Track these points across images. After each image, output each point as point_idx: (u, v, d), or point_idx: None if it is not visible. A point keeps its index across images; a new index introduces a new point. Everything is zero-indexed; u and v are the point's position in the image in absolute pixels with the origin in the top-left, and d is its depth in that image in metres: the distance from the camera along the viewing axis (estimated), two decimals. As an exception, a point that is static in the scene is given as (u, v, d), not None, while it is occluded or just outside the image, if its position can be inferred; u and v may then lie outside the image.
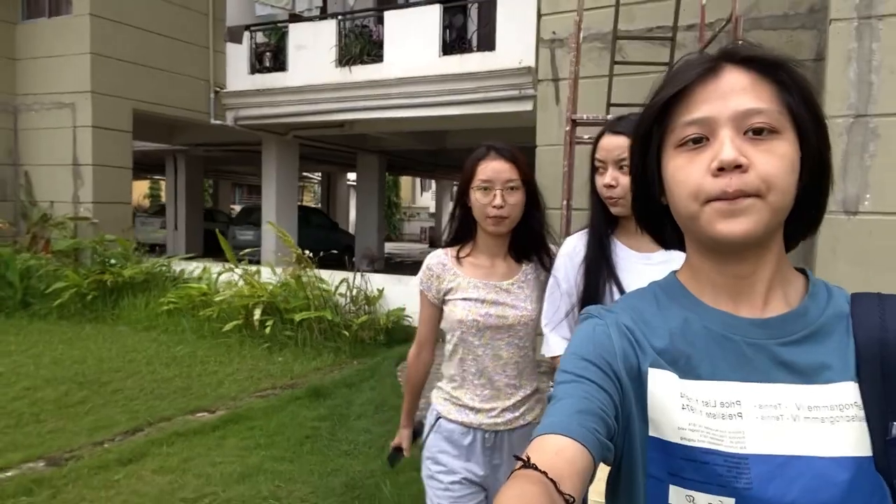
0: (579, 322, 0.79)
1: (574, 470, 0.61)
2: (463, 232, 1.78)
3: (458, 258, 1.77)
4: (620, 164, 1.52)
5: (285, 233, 6.96)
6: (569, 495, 0.58)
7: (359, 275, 7.03)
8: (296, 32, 10.66)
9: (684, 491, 0.68)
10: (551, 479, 0.58)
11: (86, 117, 9.10)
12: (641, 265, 1.47)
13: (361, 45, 10.10)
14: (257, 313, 6.54)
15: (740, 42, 0.72)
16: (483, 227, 1.71)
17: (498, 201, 1.64)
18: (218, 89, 11.01)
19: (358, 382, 5.42)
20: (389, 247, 21.73)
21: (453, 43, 9.67)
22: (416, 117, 10.05)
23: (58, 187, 9.41)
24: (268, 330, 6.44)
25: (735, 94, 0.67)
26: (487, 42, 9.31)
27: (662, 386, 0.71)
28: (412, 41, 9.60)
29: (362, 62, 10.09)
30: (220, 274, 7.64)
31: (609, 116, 4.34)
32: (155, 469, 3.54)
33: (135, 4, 9.55)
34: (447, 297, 1.76)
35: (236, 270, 7.24)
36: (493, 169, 1.65)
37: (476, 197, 1.68)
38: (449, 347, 1.79)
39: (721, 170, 0.65)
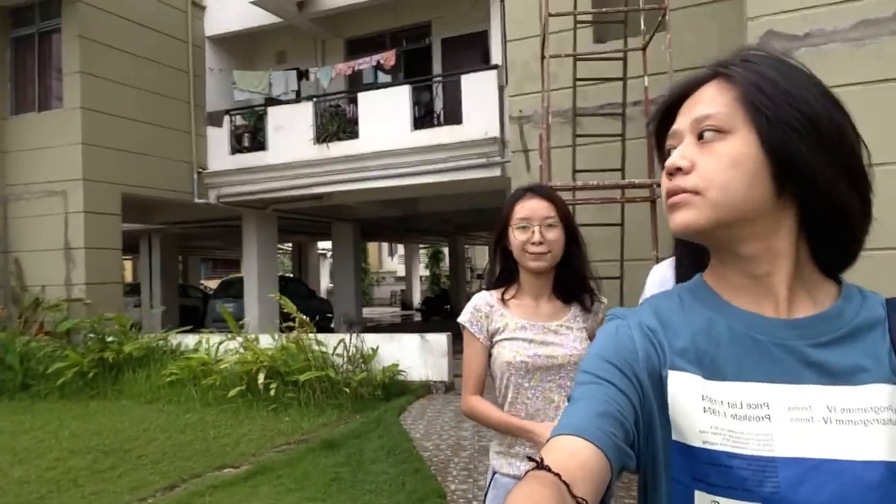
0: (605, 322, 0.80)
1: (589, 473, 0.60)
2: (506, 275, 1.78)
3: (503, 300, 1.75)
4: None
5: (289, 301, 7.45)
6: (581, 499, 0.58)
7: (354, 335, 7.53)
8: (274, 114, 11.42)
9: (709, 496, 0.66)
10: (564, 482, 0.58)
11: (77, 203, 9.56)
12: None
13: (338, 123, 10.91)
14: (261, 377, 6.95)
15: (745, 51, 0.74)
16: (524, 265, 1.71)
17: (536, 237, 1.65)
18: (200, 170, 11.61)
19: (365, 433, 5.86)
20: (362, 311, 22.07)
21: (423, 118, 10.57)
22: (390, 187, 10.77)
23: (49, 271, 9.73)
24: (272, 392, 6.84)
25: (699, 104, 0.71)
26: (454, 116, 10.21)
27: (683, 388, 0.70)
28: (385, 118, 10.43)
29: (338, 139, 10.87)
30: (220, 343, 8.03)
31: (576, 182, 5.09)
32: (203, 515, 3.95)
33: (121, 96, 10.20)
34: (494, 339, 1.72)
35: (238, 338, 7.66)
36: (531, 207, 1.68)
37: (515, 235, 1.69)
38: (499, 395, 1.74)
39: (670, 174, 0.71)
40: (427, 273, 32.84)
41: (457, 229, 21.32)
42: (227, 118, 11.83)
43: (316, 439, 5.71)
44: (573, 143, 5.65)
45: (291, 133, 11.14)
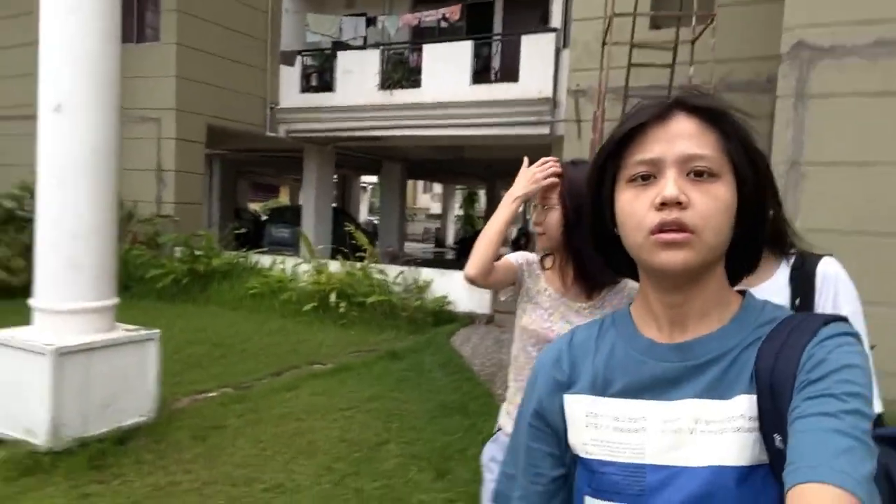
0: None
1: None
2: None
3: (542, 266, 1.77)
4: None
5: (361, 235, 8.60)
6: None
7: (412, 267, 8.68)
8: (343, 59, 12.30)
9: (594, 500, 0.76)
10: None
11: (170, 130, 10.71)
12: None
13: (402, 71, 11.75)
14: (332, 296, 8.18)
15: (693, 91, 0.78)
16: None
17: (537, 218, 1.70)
18: (273, 105, 12.63)
19: (422, 349, 7.06)
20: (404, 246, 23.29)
21: (481, 73, 11.35)
22: (445, 135, 11.69)
23: (142, 189, 10.98)
24: (341, 310, 8.08)
25: (681, 138, 0.73)
26: (511, 74, 10.99)
27: (574, 408, 0.81)
28: (446, 71, 11.26)
29: (402, 86, 11.75)
30: (295, 265, 9.26)
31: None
32: (309, 393, 5.18)
33: (208, 34, 11.17)
34: (522, 299, 1.77)
35: (311, 263, 8.88)
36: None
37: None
38: (513, 353, 1.80)
39: (664, 205, 0.71)
40: (461, 213, 33.84)
41: (496, 175, 22.17)
42: (299, 58, 12.74)
43: (381, 350, 6.92)
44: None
45: (358, 78, 12.04)
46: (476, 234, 23.78)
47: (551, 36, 10.54)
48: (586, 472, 0.78)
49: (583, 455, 0.79)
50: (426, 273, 8.81)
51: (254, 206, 29.33)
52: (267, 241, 16.35)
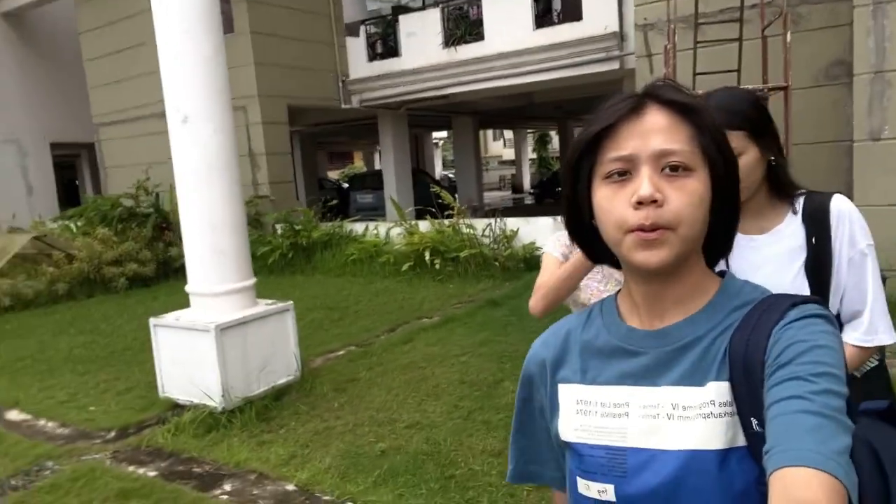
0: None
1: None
2: None
3: None
4: None
5: (447, 194, 9.05)
6: None
7: (498, 219, 9.05)
8: (405, 22, 12.52)
9: (585, 481, 0.80)
10: None
11: (256, 116, 11.41)
12: (746, 247, 1.45)
13: (464, 27, 11.87)
14: (427, 255, 8.70)
15: (665, 81, 0.79)
16: None
17: None
18: (344, 78, 13.10)
19: (518, 296, 7.46)
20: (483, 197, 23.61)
21: (543, 17, 11.29)
22: (513, 84, 11.78)
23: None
24: (437, 266, 8.59)
25: (655, 133, 0.74)
26: (574, 13, 10.87)
27: (566, 396, 0.85)
28: (508, 19, 11.27)
29: (465, 42, 11.87)
30: (389, 229, 9.85)
31: (698, 90, 6.05)
32: (424, 344, 5.73)
33: (278, 18, 11.68)
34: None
35: (403, 225, 9.42)
36: None
37: None
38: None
39: (640, 203, 0.72)
40: (535, 156, 33.63)
41: (568, 115, 21.90)
42: (362, 28, 13.07)
43: (481, 300, 7.39)
44: (694, 47, 6.51)
45: (422, 39, 12.26)
46: (553, 176, 23.59)
47: (612, -33, 10.32)
48: (576, 456, 0.82)
49: (573, 440, 0.83)
50: (511, 223, 9.15)
51: (333, 175, 30.37)
52: (353, 207, 17.11)
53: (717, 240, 0.81)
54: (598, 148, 0.77)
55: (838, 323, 1.39)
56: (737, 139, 1.33)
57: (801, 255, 1.42)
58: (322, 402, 4.48)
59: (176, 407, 4.44)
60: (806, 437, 0.60)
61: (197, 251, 4.45)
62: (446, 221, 9.11)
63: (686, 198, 0.73)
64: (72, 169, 19.34)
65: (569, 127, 24.13)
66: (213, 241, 4.41)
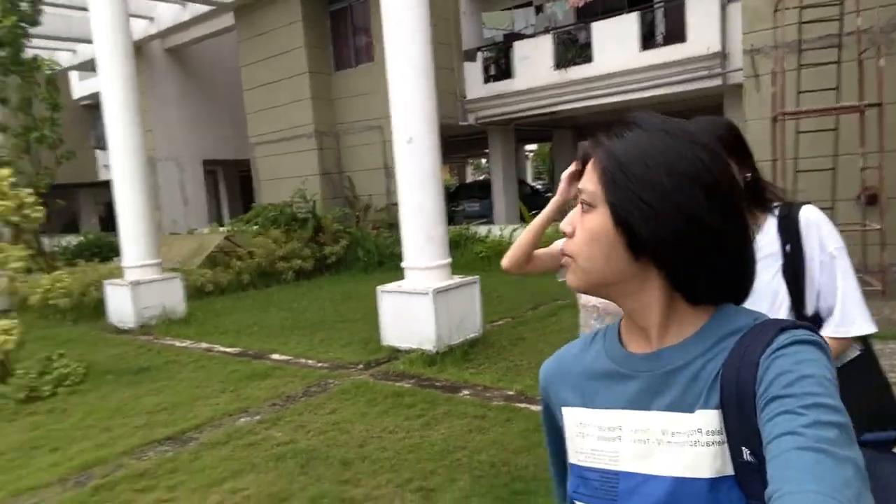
0: None
1: None
2: None
3: None
4: None
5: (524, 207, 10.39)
6: None
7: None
8: (519, 47, 14.01)
9: (580, 503, 0.82)
10: None
11: (390, 133, 13.15)
12: None
13: (574, 50, 13.22)
14: (551, 251, 10.06)
15: (624, 119, 0.81)
16: None
17: None
18: (462, 98, 14.72)
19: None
20: (573, 206, 24.76)
21: (650, 39, 12.48)
22: (618, 101, 12.99)
23: (372, 184, 13.63)
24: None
25: (587, 172, 0.80)
26: (679, 35, 12.01)
27: (569, 419, 0.87)
28: (615, 43, 12.53)
29: (574, 63, 13.21)
30: (513, 231, 11.29)
31: (801, 107, 7.14)
32: (569, 316, 7.06)
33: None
34: None
35: (523, 226, 10.83)
36: None
37: None
38: (580, 323, 2.03)
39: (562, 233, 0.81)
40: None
41: (661, 126, 22.75)
42: (479, 54, 14.67)
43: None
44: (798, 69, 7.59)
45: (534, 62, 13.69)
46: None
47: (714, -6, 11.40)
48: (575, 478, 0.85)
49: (573, 462, 0.86)
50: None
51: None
52: (461, 215, 18.71)
53: (700, 277, 0.76)
54: None
55: (819, 320, 1.56)
56: None
57: (779, 261, 1.57)
58: (503, 351, 5.92)
59: (396, 351, 5.99)
60: (804, 477, 0.58)
61: (413, 237, 6.01)
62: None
63: (583, 233, 0.78)
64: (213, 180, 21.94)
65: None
66: (425, 230, 5.95)
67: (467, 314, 6.09)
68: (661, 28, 12.63)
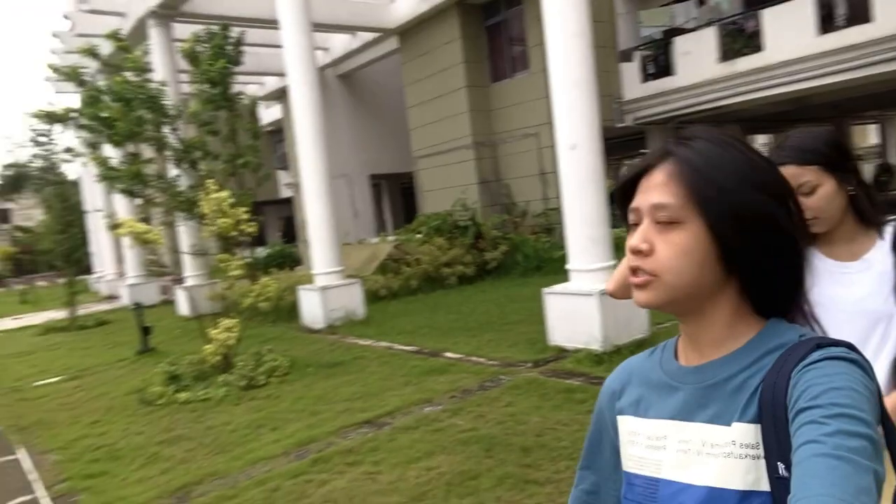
0: None
1: None
2: None
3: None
4: (799, 190, 1.45)
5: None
6: None
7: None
8: (680, 42, 13.56)
9: None
10: None
11: (547, 141, 13.34)
12: (839, 273, 1.50)
13: (741, 40, 12.55)
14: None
15: (687, 137, 0.83)
16: None
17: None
18: (618, 100, 14.54)
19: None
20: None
21: (828, 22, 11.52)
22: (794, 91, 12.10)
23: (529, 191, 13.91)
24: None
25: (653, 188, 0.80)
26: (861, 15, 10.96)
27: (623, 428, 0.91)
28: (789, 29, 11.70)
29: (742, 54, 12.52)
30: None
31: None
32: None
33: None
34: None
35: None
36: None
37: None
38: None
39: (634, 253, 0.80)
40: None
41: (844, 112, 20.67)
42: (636, 53, 14.42)
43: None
44: None
45: (697, 56, 13.17)
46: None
47: (905, -36, 10.29)
48: (626, 484, 0.89)
49: (625, 469, 0.90)
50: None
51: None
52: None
53: (771, 285, 0.81)
54: (630, 197, 0.84)
55: None
56: (810, 173, 1.45)
57: (890, 280, 1.48)
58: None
59: (563, 351, 6.20)
60: (817, 481, 0.59)
61: (577, 240, 6.20)
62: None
63: (670, 249, 0.78)
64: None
65: (844, 125, 22.61)
66: (588, 233, 6.12)
67: (634, 315, 6.14)
68: (840, 10, 11.59)
